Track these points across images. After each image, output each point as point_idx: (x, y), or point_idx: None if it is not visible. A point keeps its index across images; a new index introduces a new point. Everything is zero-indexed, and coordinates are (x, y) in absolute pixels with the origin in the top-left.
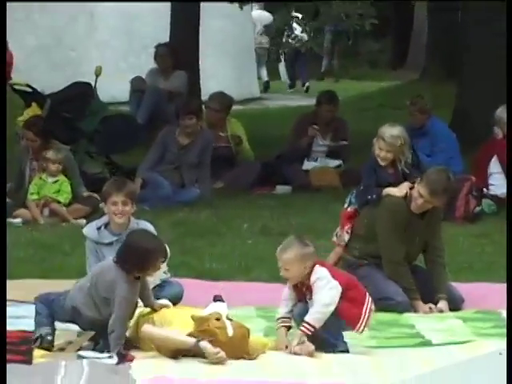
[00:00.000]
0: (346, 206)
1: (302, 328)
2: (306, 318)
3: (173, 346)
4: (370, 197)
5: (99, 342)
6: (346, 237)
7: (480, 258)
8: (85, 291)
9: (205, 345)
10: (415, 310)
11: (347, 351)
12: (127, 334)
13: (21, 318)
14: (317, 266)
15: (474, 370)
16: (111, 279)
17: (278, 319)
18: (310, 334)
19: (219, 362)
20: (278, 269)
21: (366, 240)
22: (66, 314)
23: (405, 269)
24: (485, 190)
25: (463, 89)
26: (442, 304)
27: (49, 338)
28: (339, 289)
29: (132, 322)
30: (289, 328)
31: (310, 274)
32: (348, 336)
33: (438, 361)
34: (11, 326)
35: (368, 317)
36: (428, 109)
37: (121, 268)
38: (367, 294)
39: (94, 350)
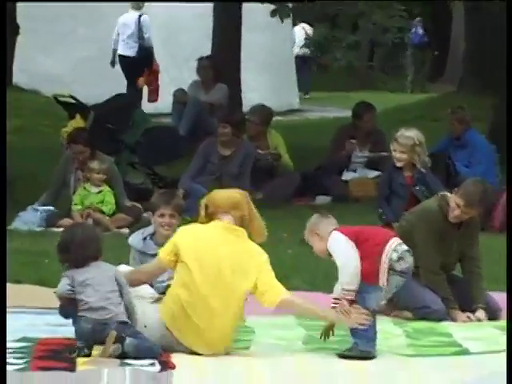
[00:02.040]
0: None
1: (342, 295)
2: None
3: None
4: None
5: (125, 339)
6: None
7: None
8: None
9: None
10: (453, 319)
11: (371, 357)
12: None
13: (64, 326)
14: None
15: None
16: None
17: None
18: (349, 298)
19: None
20: (317, 277)
21: None
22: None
23: (442, 278)
24: None
25: (499, 100)
26: (480, 313)
27: (86, 351)
28: (349, 242)
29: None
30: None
31: None
32: (385, 345)
33: (476, 369)
34: (55, 333)
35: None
36: (467, 120)
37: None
38: (386, 243)
39: (123, 351)
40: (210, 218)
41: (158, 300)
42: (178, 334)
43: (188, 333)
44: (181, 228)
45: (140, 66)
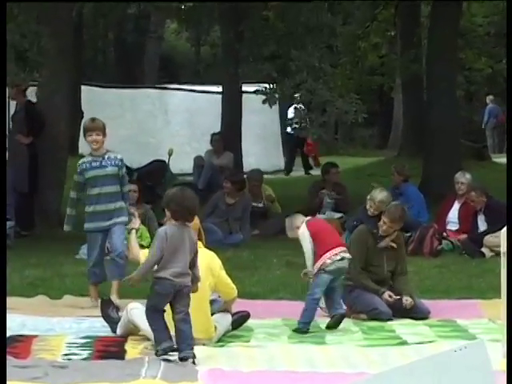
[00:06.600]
0: None
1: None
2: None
3: None
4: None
5: None
6: None
7: (441, 282)
8: None
9: None
10: (382, 300)
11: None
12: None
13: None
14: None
15: (437, 362)
16: None
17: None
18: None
19: None
20: (298, 291)
21: None
22: None
23: (365, 275)
24: (444, 233)
25: (428, 162)
26: (407, 298)
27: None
28: (309, 238)
29: None
30: None
31: None
32: (347, 338)
33: (412, 356)
34: (109, 333)
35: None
36: (404, 173)
37: None
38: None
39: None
40: None
41: None
42: None
43: None
44: None
45: (299, 140)
